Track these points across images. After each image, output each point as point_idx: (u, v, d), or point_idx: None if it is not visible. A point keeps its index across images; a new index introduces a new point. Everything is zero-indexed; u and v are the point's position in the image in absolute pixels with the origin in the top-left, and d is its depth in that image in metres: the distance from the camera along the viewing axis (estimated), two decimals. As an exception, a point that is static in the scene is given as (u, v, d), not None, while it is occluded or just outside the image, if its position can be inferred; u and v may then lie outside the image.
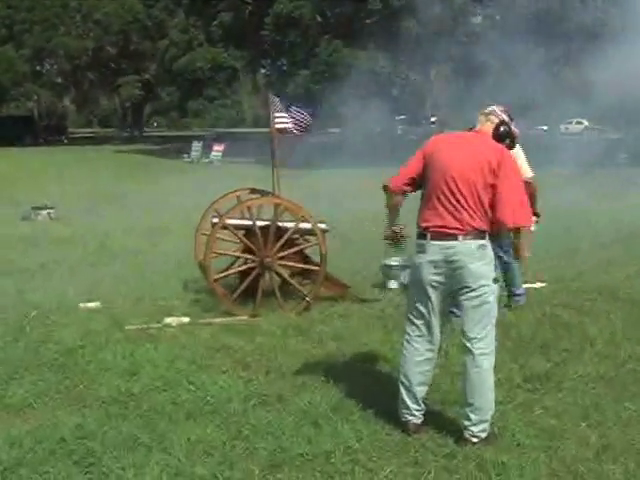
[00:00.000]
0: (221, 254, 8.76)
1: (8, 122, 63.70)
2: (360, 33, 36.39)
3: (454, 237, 5.12)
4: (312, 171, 26.61)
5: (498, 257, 9.51)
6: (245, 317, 8.34)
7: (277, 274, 8.57)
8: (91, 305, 8.84)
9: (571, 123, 71.34)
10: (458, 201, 5.12)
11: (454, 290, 5.24)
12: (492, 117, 5.66)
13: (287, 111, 9.27)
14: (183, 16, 44.02)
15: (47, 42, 59.78)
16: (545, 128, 69.95)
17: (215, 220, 8.72)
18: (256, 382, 6.38)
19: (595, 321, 8.14)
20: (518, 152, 9.18)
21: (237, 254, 8.86)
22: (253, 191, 9.57)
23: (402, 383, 5.47)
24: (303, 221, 8.52)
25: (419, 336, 5.39)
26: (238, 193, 9.47)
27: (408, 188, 5.48)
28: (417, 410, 5.43)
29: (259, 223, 8.46)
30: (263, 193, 9.48)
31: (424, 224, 5.26)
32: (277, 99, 9.24)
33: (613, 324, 8.02)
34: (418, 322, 5.38)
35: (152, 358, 6.93)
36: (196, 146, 42.02)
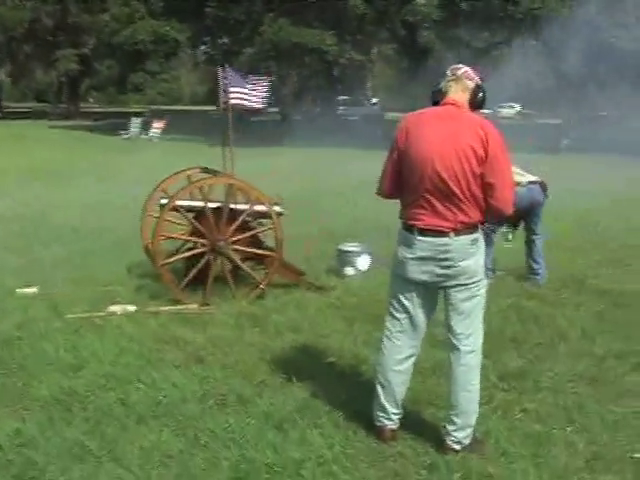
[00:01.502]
0: (170, 238, 8.19)
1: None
2: (306, 11, 35.74)
3: (445, 234, 4.63)
4: (255, 150, 25.97)
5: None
6: (195, 306, 7.80)
7: (229, 259, 8.02)
8: (29, 291, 8.19)
9: (503, 107, 71.99)
10: (447, 197, 4.59)
11: (443, 286, 4.77)
12: (466, 82, 4.82)
13: (244, 84, 8.67)
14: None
15: (-20, 12, 58.00)
16: (487, 112, 70.28)
17: (164, 201, 8.15)
18: (212, 379, 5.86)
19: (563, 313, 7.79)
20: None
21: (188, 238, 8.25)
22: (204, 170, 8.99)
23: (380, 383, 4.98)
24: (258, 203, 8.00)
25: (401, 332, 4.92)
26: (188, 172, 8.90)
27: (399, 191, 4.88)
28: (395, 414, 4.97)
29: (211, 204, 7.90)
30: (214, 173, 8.92)
31: (410, 222, 4.75)
32: (232, 71, 8.63)
33: (583, 317, 7.69)
34: (401, 316, 4.91)
35: (97, 351, 6.35)
36: (135, 122, 40.94)
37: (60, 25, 62.34)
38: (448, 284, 4.73)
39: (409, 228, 4.75)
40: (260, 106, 9.03)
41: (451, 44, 46.21)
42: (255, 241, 8.27)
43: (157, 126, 39.78)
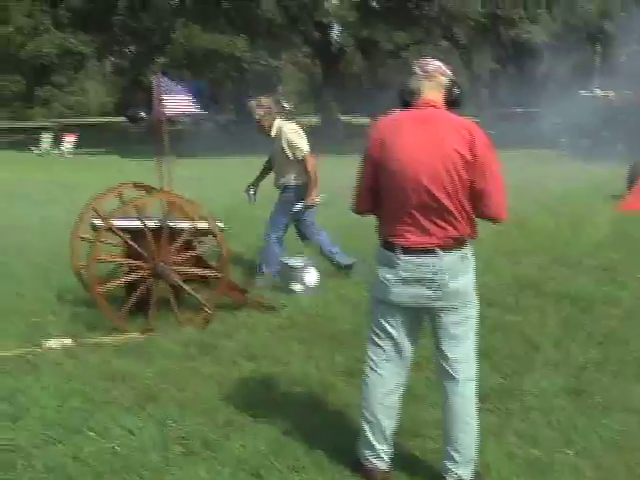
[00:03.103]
0: (107, 261, 7.54)
1: None
2: (216, 16, 35.02)
3: (432, 252, 4.11)
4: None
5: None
6: (137, 334, 7.16)
7: (171, 282, 7.39)
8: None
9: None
10: (434, 210, 4.08)
11: (431, 308, 4.25)
12: (440, 78, 4.28)
13: (178, 90, 8.10)
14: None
15: None
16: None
17: (97, 222, 7.50)
18: (170, 421, 5.22)
19: (529, 321, 7.42)
20: (294, 127, 8.79)
21: (125, 260, 7.56)
22: (137, 186, 8.35)
23: (365, 420, 4.45)
24: (200, 220, 7.41)
25: (386, 360, 4.38)
26: (120, 189, 8.24)
27: (377, 206, 4.32)
28: (384, 452, 4.45)
29: (149, 224, 7.27)
30: (147, 189, 8.30)
31: (392, 239, 4.21)
32: (166, 79, 8.03)
33: (550, 324, 7.31)
34: (384, 344, 4.37)
35: (37, 396, 5.64)
36: (45, 137, 39.53)
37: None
38: (436, 306, 4.21)
39: (390, 247, 4.21)
40: (194, 110, 8.51)
41: (362, 46, 46.21)
42: (198, 261, 7.67)
43: (69, 140, 38.54)
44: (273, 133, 8.80)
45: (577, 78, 36.93)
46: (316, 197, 8.79)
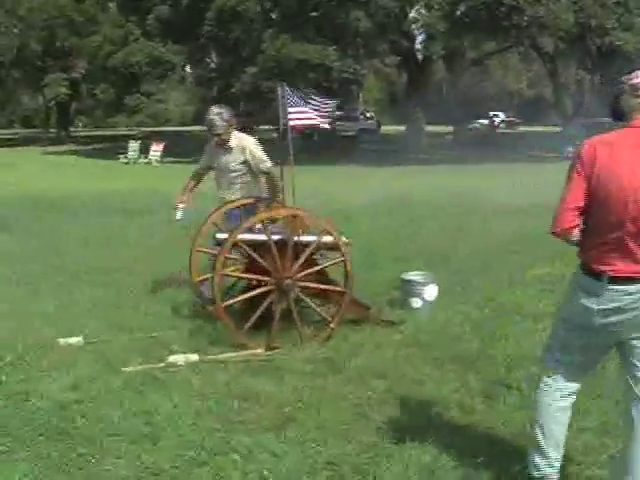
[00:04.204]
0: (232, 276, 7.42)
1: None
2: (306, 26, 35.02)
3: (638, 281, 3.92)
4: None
5: None
6: (261, 351, 7.01)
7: (295, 298, 7.23)
8: (72, 340, 7.34)
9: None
10: None
11: (626, 336, 4.05)
12: None
13: (306, 103, 7.93)
14: (115, 10, 42.31)
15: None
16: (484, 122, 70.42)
17: (220, 235, 7.39)
18: (313, 444, 5.03)
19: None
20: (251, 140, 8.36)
21: (253, 276, 7.40)
22: (258, 200, 8.22)
23: (539, 425, 4.38)
24: (325, 234, 7.24)
25: (563, 377, 4.33)
26: (242, 202, 8.14)
27: (579, 221, 4.05)
28: (557, 460, 4.37)
29: (274, 238, 7.13)
30: (268, 201, 8.18)
31: (598, 267, 4.00)
32: (290, 91, 7.87)
33: None
34: (565, 360, 4.31)
35: (170, 415, 5.51)
36: (133, 146, 40.10)
37: (49, 49, 61.56)
38: (634, 335, 4.04)
39: (596, 275, 4.01)
40: (325, 125, 8.29)
41: (447, 55, 45.79)
42: (321, 276, 7.50)
43: (156, 149, 38.99)
44: (233, 145, 8.43)
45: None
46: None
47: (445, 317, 8.08)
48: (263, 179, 8.48)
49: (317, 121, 8.13)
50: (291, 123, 7.91)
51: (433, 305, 8.42)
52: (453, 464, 4.73)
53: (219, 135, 8.31)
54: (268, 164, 8.41)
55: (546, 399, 4.36)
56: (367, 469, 4.70)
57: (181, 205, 8.70)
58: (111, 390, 6.05)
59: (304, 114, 7.95)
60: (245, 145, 8.38)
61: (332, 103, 8.37)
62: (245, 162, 8.39)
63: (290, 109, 7.76)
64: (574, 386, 4.35)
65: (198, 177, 8.97)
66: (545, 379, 4.39)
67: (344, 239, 7.44)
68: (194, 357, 6.78)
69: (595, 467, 4.70)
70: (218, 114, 8.23)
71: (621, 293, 3.93)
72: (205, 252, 8.04)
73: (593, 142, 3.98)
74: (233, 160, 8.43)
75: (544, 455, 4.34)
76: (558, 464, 4.38)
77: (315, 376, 6.38)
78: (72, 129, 79.29)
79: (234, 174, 8.48)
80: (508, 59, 76.03)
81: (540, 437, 4.35)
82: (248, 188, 8.53)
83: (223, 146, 8.43)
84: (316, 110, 8.06)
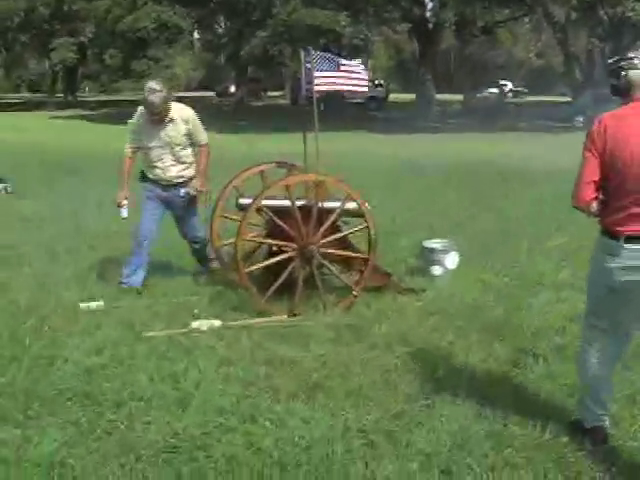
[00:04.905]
0: (254, 241, 7.38)
1: None
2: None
3: None
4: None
5: None
6: (284, 317, 6.98)
7: (319, 265, 7.19)
8: (93, 305, 7.32)
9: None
10: None
11: None
12: None
13: (337, 68, 7.76)
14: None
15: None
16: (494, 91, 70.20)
17: (243, 201, 7.34)
18: (343, 412, 5.01)
19: None
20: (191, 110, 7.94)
21: (276, 242, 7.34)
22: (280, 164, 8.15)
23: (584, 389, 4.75)
24: (349, 200, 7.18)
25: (602, 336, 4.58)
26: (262, 167, 8.07)
27: (597, 194, 4.36)
28: (606, 415, 4.70)
29: (298, 203, 7.07)
30: (290, 167, 8.11)
31: (617, 228, 4.29)
32: (319, 56, 7.69)
33: None
34: (601, 323, 4.56)
35: (198, 381, 5.49)
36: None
37: (56, 13, 61.15)
38: None
39: (614, 235, 4.27)
40: (361, 89, 8.11)
41: (458, 23, 45.44)
42: (344, 243, 7.45)
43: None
44: (175, 116, 7.84)
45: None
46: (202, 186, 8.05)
47: (465, 285, 8.05)
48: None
49: (351, 86, 7.92)
50: (319, 88, 7.71)
51: (454, 273, 8.38)
52: (484, 432, 4.71)
53: (156, 111, 7.67)
54: (204, 137, 8.05)
55: (589, 364, 4.61)
56: (399, 437, 4.68)
57: (125, 202, 8.08)
58: (136, 355, 6.02)
59: (336, 79, 7.73)
60: (188, 115, 7.91)
61: (364, 67, 8.14)
62: (188, 134, 7.93)
63: (317, 73, 7.57)
64: (611, 350, 4.57)
65: (130, 161, 8.19)
66: (586, 346, 4.67)
67: (367, 205, 7.36)
68: (217, 323, 6.76)
69: (627, 438, 4.68)
70: (156, 91, 7.55)
71: (638, 252, 4.20)
72: (228, 218, 7.97)
73: (603, 119, 4.27)
74: (177, 132, 7.88)
75: (592, 412, 4.63)
76: (606, 417, 4.67)
77: (339, 343, 6.36)
78: (78, 94, 78.89)
79: (178, 147, 7.95)
80: (518, 28, 75.38)
81: (587, 398, 4.66)
82: (191, 162, 8.10)
83: (163, 120, 7.82)
84: (349, 75, 7.83)
